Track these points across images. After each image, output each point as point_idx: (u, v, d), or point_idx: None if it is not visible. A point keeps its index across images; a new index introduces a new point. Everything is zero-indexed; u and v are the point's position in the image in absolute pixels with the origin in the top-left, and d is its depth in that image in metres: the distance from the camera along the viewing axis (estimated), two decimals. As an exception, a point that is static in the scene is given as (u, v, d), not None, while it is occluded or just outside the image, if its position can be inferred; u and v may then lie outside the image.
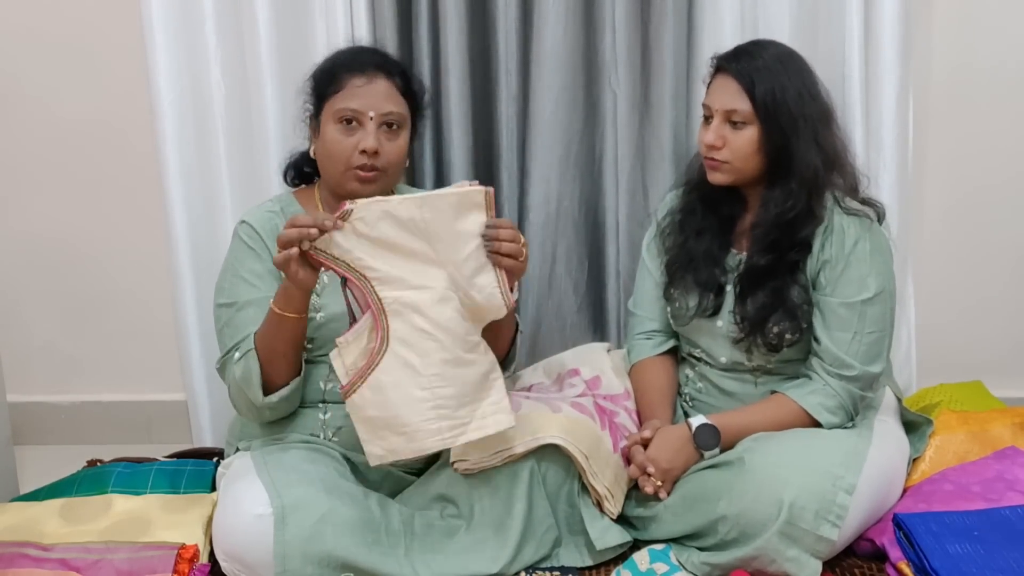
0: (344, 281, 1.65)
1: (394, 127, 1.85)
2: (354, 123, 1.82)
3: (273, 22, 2.24)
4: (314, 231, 1.58)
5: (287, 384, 1.78)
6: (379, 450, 1.67)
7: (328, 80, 1.86)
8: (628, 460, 1.90)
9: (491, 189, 1.66)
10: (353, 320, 1.68)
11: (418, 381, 1.65)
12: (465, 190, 1.65)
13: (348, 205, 1.60)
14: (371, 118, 1.82)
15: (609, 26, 2.26)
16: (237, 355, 1.76)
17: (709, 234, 1.95)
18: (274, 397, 1.77)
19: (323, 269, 1.64)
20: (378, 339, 1.65)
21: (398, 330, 1.65)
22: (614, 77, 2.28)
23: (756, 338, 1.87)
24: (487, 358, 1.72)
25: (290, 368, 1.78)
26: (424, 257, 1.65)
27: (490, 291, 1.67)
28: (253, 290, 1.82)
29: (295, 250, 1.59)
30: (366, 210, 1.61)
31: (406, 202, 1.62)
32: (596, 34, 2.30)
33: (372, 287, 1.64)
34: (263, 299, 1.80)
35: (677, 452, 1.84)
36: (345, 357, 1.67)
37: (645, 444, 1.87)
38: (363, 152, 1.81)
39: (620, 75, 2.27)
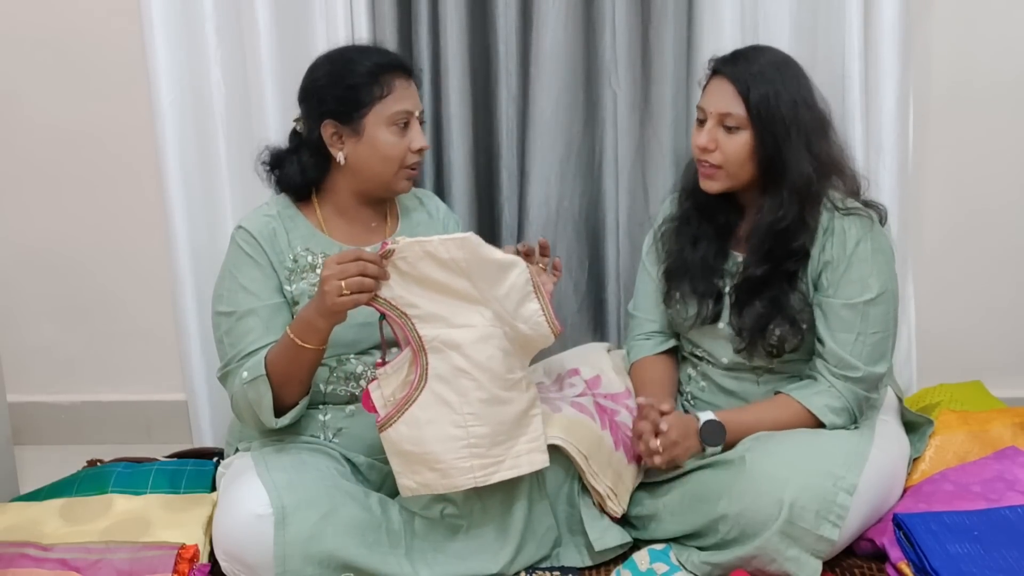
0: (381, 316, 1.66)
1: (422, 123, 1.88)
2: (405, 123, 1.83)
3: (273, 22, 2.24)
4: (371, 282, 1.60)
5: (296, 404, 1.78)
6: (412, 483, 1.71)
7: (372, 83, 1.81)
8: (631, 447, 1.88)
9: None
10: (384, 353, 1.70)
11: (453, 419, 1.67)
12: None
13: (390, 245, 1.62)
14: (417, 117, 1.84)
15: (609, 26, 2.26)
16: (246, 375, 1.74)
17: (705, 242, 1.94)
18: (285, 419, 1.77)
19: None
20: (417, 374, 1.67)
21: (437, 367, 1.67)
22: (614, 77, 2.28)
23: (756, 344, 1.87)
24: (527, 395, 1.74)
25: (304, 389, 1.79)
26: (466, 295, 1.66)
27: (536, 320, 1.69)
28: (253, 299, 1.81)
29: (365, 297, 1.61)
30: (408, 250, 1.62)
31: (447, 242, 1.64)
32: (596, 34, 2.30)
33: (412, 324, 1.66)
34: (263, 307, 1.80)
35: (685, 435, 1.82)
36: (384, 388, 1.69)
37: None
38: (419, 151, 1.83)
39: (620, 75, 2.27)
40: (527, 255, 1.73)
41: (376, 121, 1.81)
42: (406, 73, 1.85)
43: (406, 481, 1.71)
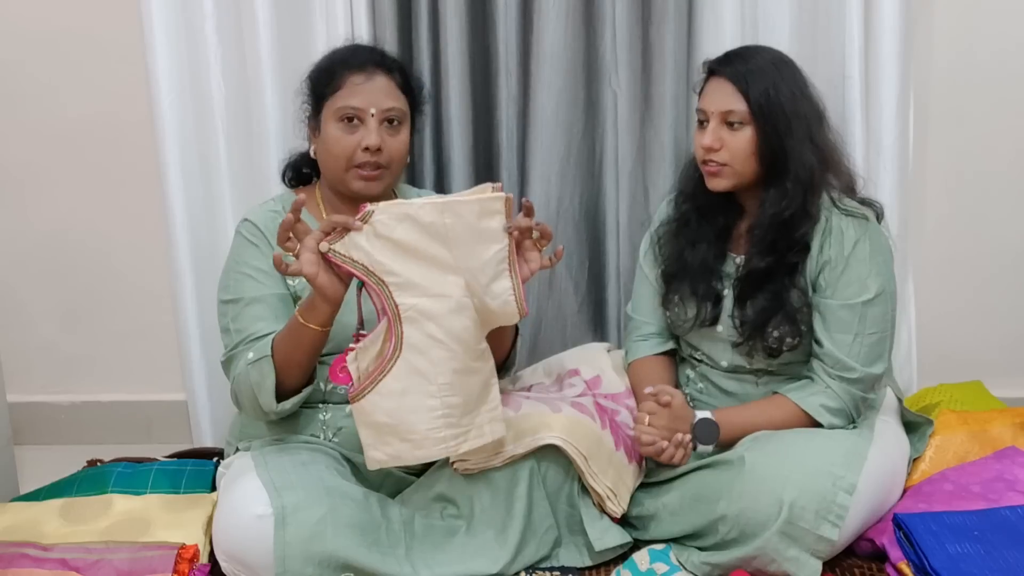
0: (361, 285, 1.65)
1: (395, 123, 1.85)
2: (355, 121, 1.82)
3: (273, 22, 2.24)
4: (299, 228, 1.59)
5: (299, 392, 1.78)
6: (381, 455, 1.68)
7: (327, 79, 1.85)
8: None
9: (510, 196, 1.66)
10: (361, 323, 1.68)
11: (428, 389, 1.65)
12: (486, 197, 1.64)
13: (369, 206, 1.60)
14: (372, 115, 1.81)
15: (609, 26, 2.26)
16: (252, 356, 1.73)
17: (704, 244, 1.94)
18: (287, 404, 1.76)
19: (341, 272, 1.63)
20: (391, 345, 1.64)
21: (411, 337, 1.64)
22: (614, 77, 2.28)
23: (755, 343, 1.87)
24: (488, 364, 1.73)
25: (305, 376, 1.78)
26: (442, 263, 1.64)
27: (505, 298, 1.68)
28: (259, 286, 1.81)
29: (313, 249, 1.58)
30: (387, 211, 1.60)
31: (427, 206, 1.61)
32: (596, 34, 2.30)
33: (390, 292, 1.63)
34: (270, 296, 1.80)
35: (676, 421, 1.82)
36: (360, 361, 1.67)
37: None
38: (366, 149, 1.81)
39: (620, 75, 2.27)
40: (527, 212, 1.70)
41: (327, 115, 1.84)
42: (371, 69, 1.84)
43: (375, 453, 1.67)
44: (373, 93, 1.83)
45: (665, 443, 1.81)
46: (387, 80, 1.86)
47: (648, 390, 1.87)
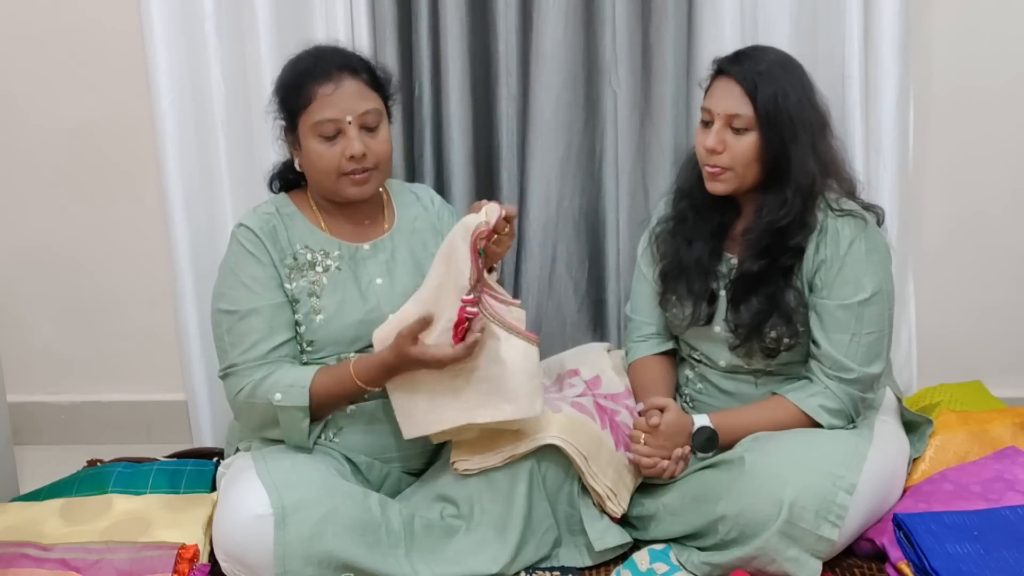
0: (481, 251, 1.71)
1: (373, 124, 1.83)
2: (334, 132, 1.79)
3: (273, 22, 2.24)
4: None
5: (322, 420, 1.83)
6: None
7: (295, 94, 1.81)
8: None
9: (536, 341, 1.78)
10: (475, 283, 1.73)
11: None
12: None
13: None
14: (350, 122, 1.79)
15: (609, 26, 2.26)
16: (279, 397, 1.74)
17: (700, 242, 1.93)
18: (313, 436, 1.81)
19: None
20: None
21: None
22: (614, 77, 2.28)
23: (752, 344, 1.87)
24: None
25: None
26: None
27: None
28: (255, 297, 1.81)
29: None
30: (488, 314, 1.73)
31: (514, 340, 1.74)
32: (596, 34, 2.30)
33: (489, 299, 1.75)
34: (265, 307, 1.80)
35: (675, 434, 1.83)
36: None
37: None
38: (351, 158, 1.79)
39: (620, 75, 2.27)
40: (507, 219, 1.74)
41: (305, 131, 1.81)
42: (337, 75, 1.80)
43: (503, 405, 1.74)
44: (345, 100, 1.80)
45: (665, 463, 1.82)
46: (355, 82, 1.82)
47: (638, 407, 1.88)
